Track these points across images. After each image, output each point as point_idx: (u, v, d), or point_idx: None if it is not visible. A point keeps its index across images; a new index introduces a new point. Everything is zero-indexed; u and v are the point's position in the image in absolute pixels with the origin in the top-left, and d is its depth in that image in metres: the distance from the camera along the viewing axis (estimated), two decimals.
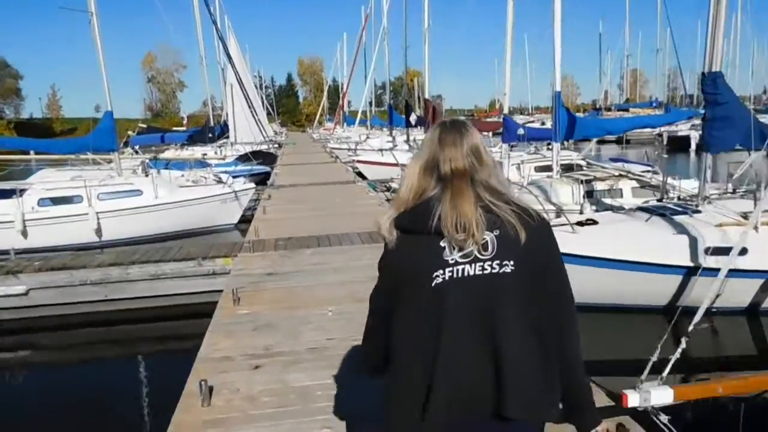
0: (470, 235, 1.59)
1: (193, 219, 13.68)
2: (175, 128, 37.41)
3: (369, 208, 11.88)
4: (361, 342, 1.97)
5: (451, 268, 1.62)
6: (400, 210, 1.71)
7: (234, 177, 17.74)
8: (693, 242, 7.22)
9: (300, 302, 6.14)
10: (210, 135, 23.82)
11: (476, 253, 1.61)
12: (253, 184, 15.00)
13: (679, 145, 31.19)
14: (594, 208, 11.01)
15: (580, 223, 7.84)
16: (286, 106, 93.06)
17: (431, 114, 22.81)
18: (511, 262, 1.62)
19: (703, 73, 8.14)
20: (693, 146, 34.80)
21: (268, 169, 21.58)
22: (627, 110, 53.33)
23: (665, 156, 26.04)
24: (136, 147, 21.14)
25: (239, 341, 5.15)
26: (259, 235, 9.43)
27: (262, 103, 60.11)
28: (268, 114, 65.36)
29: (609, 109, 59.13)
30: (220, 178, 16.58)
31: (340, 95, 53.37)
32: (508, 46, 15.27)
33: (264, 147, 28.41)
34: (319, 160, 25.44)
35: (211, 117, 25.06)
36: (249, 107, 25.57)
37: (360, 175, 21.38)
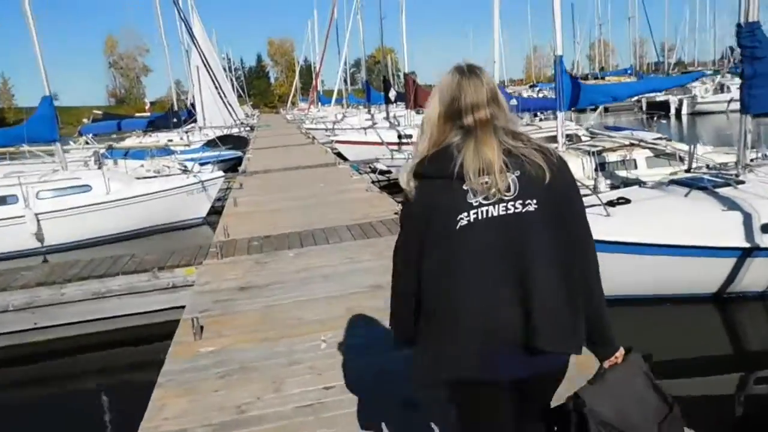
0: (493, 180, 1.59)
1: (153, 215, 11.93)
2: (138, 114, 35.19)
3: (357, 194, 10.27)
4: (390, 304, 1.87)
5: (475, 210, 1.62)
6: (419, 159, 1.68)
7: (201, 164, 15.99)
8: (746, 219, 6.21)
9: (282, 329, 4.57)
10: (175, 120, 21.82)
11: (499, 194, 1.61)
12: (221, 172, 13.23)
13: (658, 109, 30.07)
14: (609, 182, 9.58)
15: (611, 203, 6.45)
16: (257, 87, 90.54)
17: (412, 89, 21.13)
18: (534, 201, 1.62)
19: (738, 25, 7.05)
20: (672, 111, 33.93)
21: (239, 154, 19.77)
22: (603, 78, 52.43)
23: (663, 121, 25.02)
24: (89, 136, 19.14)
25: (200, 401, 3.59)
26: (229, 234, 7.77)
27: (232, 85, 58.06)
28: (239, 96, 63.16)
29: (585, 78, 58.26)
30: (185, 166, 14.84)
31: (313, 74, 51.27)
32: (496, 3, 13.67)
33: (235, 131, 26.57)
34: (295, 142, 23.64)
35: (175, 101, 23.11)
36: (216, 89, 23.76)
37: (340, 156, 19.71)
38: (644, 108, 30.60)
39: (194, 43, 23.67)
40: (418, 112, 24.01)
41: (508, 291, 1.62)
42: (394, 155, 14.08)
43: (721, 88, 33.26)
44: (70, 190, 11.35)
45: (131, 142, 22.30)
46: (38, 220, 10.79)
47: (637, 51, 65.49)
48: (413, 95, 20.87)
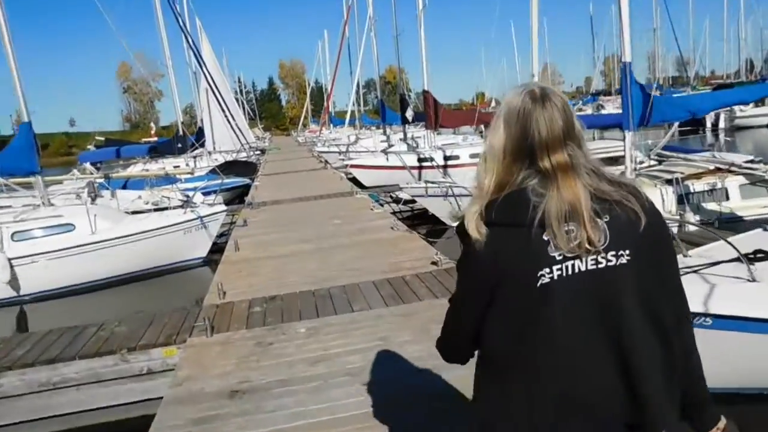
0: (581, 229, 1.32)
1: (146, 257, 10.40)
2: (145, 140, 34.02)
3: (381, 234, 8.66)
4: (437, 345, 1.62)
5: (559, 265, 1.34)
6: (485, 202, 1.38)
7: (205, 194, 14.53)
8: None
9: None
10: (180, 145, 20.42)
11: (587, 245, 1.33)
12: (223, 206, 11.68)
13: (688, 124, 28.04)
14: (697, 218, 7.90)
15: (750, 259, 4.68)
16: (268, 110, 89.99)
17: (432, 107, 19.60)
18: (627, 252, 1.36)
19: None
20: (708, 125, 31.89)
21: (247, 181, 18.29)
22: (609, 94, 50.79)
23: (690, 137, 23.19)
24: (86, 164, 17.80)
25: None
26: (225, 293, 6.17)
27: (244, 108, 57.34)
28: (251, 119, 62.58)
29: (608, 94, 56.68)
30: (187, 196, 13.38)
31: (325, 96, 50.17)
32: (534, 10, 12.10)
33: (243, 155, 25.21)
34: (306, 167, 22.17)
35: (179, 125, 21.66)
36: (223, 112, 22.46)
37: (355, 181, 18.17)
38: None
39: (200, 65, 22.44)
40: (438, 133, 22.64)
41: (603, 360, 1.35)
42: (418, 182, 12.45)
43: (762, 101, 31.11)
44: (50, 230, 9.86)
45: (136, 169, 20.95)
46: (11, 266, 9.31)
47: (655, 65, 64.31)
48: (434, 114, 19.33)
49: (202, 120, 28.25)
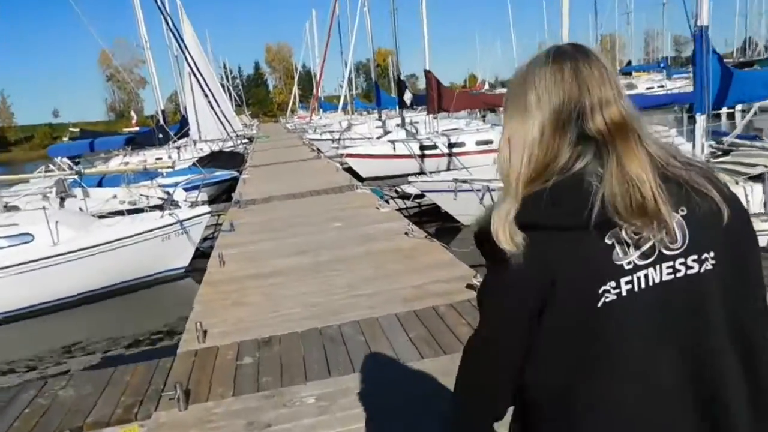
0: (655, 221, 0.96)
1: (117, 270, 8.99)
2: (126, 130, 32.34)
3: (394, 241, 7.30)
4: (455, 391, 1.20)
5: (628, 277, 1.00)
6: (518, 198, 1.03)
7: (187, 190, 13.12)
8: None
9: None
10: (161, 135, 18.89)
11: (661, 247, 0.99)
12: (206, 207, 10.24)
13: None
14: None
15: None
16: (255, 96, 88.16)
17: (435, 89, 18.17)
18: (711, 255, 1.02)
19: None
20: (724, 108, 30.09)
21: (234, 173, 16.84)
22: (629, 74, 49.43)
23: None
24: (60, 159, 16.25)
25: None
26: (206, 335, 4.80)
27: (230, 95, 55.60)
28: (237, 106, 60.77)
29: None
30: (168, 193, 11.97)
31: (314, 80, 48.52)
32: None
33: (229, 145, 23.70)
34: (298, 156, 20.70)
35: (159, 113, 20.12)
36: (207, 98, 20.94)
37: (350, 172, 16.79)
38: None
39: (182, 48, 20.86)
40: (434, 117, 21.21)
41: (680, 402, 1.02)
42: (430, 175, 11.04)
43: None
44: (4, 242, 8.43)
45: (114, 164, 19.41)
46: None
47: (652, 44, 63.10)
48: (437, 97, 17.91)
49: (185, 108, 26.65)
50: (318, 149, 23.30)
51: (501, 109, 21.17)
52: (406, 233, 7.55)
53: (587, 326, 1.01)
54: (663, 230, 0.98)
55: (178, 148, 22.81)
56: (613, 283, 1.00)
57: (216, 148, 24.18)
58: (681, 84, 38.63)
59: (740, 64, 32.98)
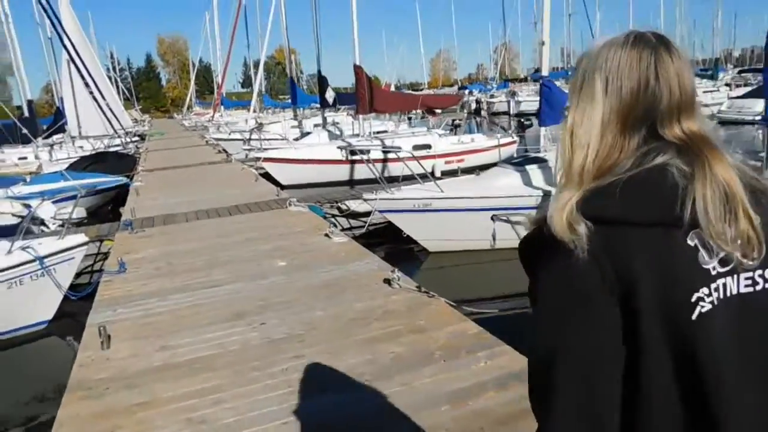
0: (742, 227, 0.88)
1: None
2: None
3: (377, 299, 4.84)
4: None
5: (715, 284, 0.89)
6: (585, 185, 0.93)
7: (57, 203, 9.99)
8: None
9: None
10: (25, 131, 15.19)
11: (739, 257, 0.89)
12: (81, 237, 7.18)
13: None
14: None
15: None
16: (147, 90, 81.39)
17: (366, 86, 15.86)
18: None
19: None
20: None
21: (122, 179, 13.60)
22: (537, 80, 49.68)
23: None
24: None
25: None
26: None
27: (118, 87, 50.40)
28: (126, 99, 55.27)
29: (515, 80, 55.56)
30: (28, 207, 8.92)
31: (215, 75, 44.61)
32: None
33: (117, 144, 20.15)
34: (202, 158, 17.58)
35: (24, 102, 16.36)
36: (89, 88, 17.47)
37: (266, 177, 14.11)
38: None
39: (54, 26, 17.25)
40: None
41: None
42: (395, 191, 8.59)
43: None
44: None
45: None
46: None
47: (540, 55, 64.98)
48: (368, 95, 15.58)
49: (62, 98, 22.62)
50: (224, 150, 20.23)
51: (439, 112, 19.30)
52: (387, 281, 5.14)
53: (683, 338, 0.87)
54: (747, 239, 0.88)
55: (51, 145, 18.98)
56: (705, 290, 0.88)
57: (101, 146, 20.51)
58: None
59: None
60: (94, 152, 16.94)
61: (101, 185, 12.75)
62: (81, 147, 20.79)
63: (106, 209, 13.18)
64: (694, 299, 0.87)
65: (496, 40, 67.42)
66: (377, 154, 14.17)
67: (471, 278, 7.91)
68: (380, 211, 8.35)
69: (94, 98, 16.23)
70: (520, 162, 8.70)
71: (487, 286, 7.59)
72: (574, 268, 0.88)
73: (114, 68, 61.72)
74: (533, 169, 8.29)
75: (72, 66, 19.84)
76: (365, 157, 10.47)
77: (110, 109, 21.57)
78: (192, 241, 7.39)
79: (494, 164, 17.48)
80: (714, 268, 0.89)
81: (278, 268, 5.93)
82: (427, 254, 8.68)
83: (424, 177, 10.19)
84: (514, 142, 17.03)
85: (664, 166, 0.89)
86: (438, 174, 13.56)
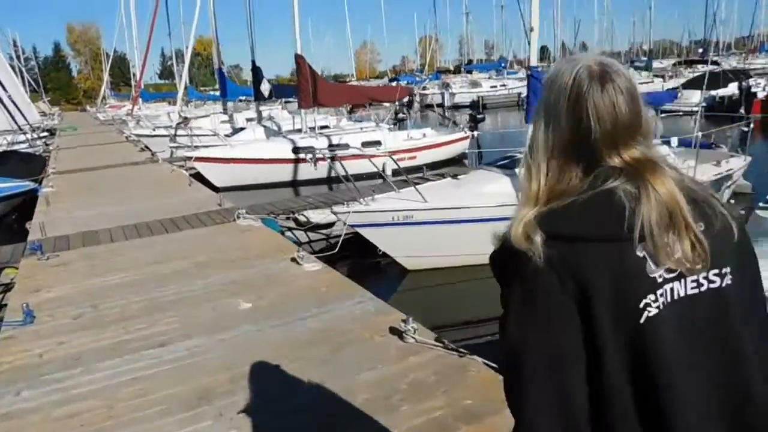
0: (684, 237, 1.00)
1: None
2: None
3: (395, 363, 3.61)
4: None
5: (661, 290, 1.01)
6: (540, 206, 1.05)
7: None
8: None
9: None
10: None
11: (688, 262, 1.01)
12: None
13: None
14: None
15: None
16: (56, 81, 75.77)
17: (308, 76, 14.46)
18: (728, 269, 1.06)
19: None
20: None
21: (29, 185, 11.63)
22: (470, 73, 49.50)
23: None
24: None
25: None
26: None
27: (23, 78, 46.28)
28: (33, 91, 50.86)
29: (457, 71, 55.20)
30: None
31: (133, 65, 41.54)
32: None
33: (22, 141, 17.82)
34: (123, 158, 15.61)
35: None
36: None
37: (197, 178, 12.52)
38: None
39: None
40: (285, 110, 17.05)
41: (718, 418, 1.03)
42: (370, 202, 7.26)
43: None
44: None
45: None
46: None
47: (467, 47, 65.57)
48: (312, 88, 14.19)
49: None
50: (148, 148, 18.24)
51: (386, 104, 18.06)
52: (397, 332, 3.92)
53: (632, 344, 0.98)
54: (691, 247, 0.99)
55: None
56: (652, 297, 0.99)
57: (3, 143, 18.06)
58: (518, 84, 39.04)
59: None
60: None
61: (2, 192, 10.83)
62: None
63: (9, 221, 11.21)
64: (642, 305, 0.98)
65: (422, 31, 67.20)
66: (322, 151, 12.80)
67: (460, 301, 6.81)
68: (352, 226, 7.07)
69: None
70: (505, 164, 7.65)
71: (481, 307, 6.52)
72: (534, 273, 0.99)
73: (18, 57, 56.76)
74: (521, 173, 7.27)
75: None
76: (331, 162, 9.08)
77: (12, 102, 19.10)
78: (121, 271, 5.86)
79: (452, 160, 16.75)
80: (660, 276, 1.00)
81: (242, 313, 4.57)
82: (402, 272, 7.50)
83: (374, 177, 9.03)
84: (467, 137, 16.11)
85: (612, 189, 1.00)
86: (388, 172, 12.39)
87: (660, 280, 1.00)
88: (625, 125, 1.02)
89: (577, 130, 1.03)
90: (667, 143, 7.95)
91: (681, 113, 17.78)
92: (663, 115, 10.34)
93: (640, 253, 0.99)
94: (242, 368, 3.63)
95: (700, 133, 7.82)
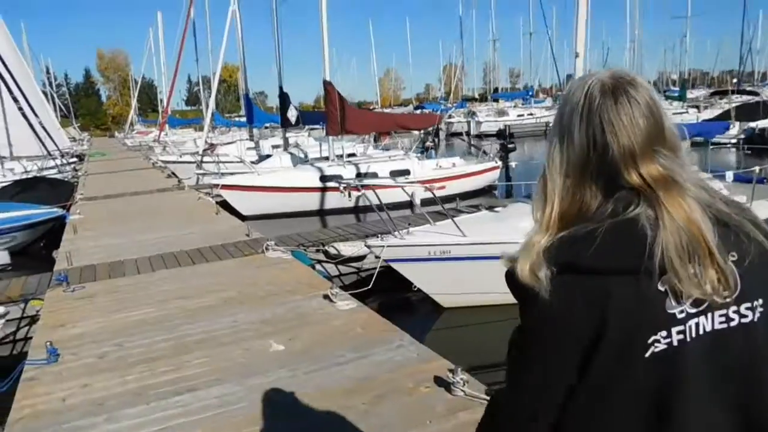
0: (709, 267, 0.92)
1: None
2: None
3: (412, 399, 3.32)
4: None
5: (681, 327, 0.95)
6: (552, 231, 1.00)
7: None
8: None
9: None
10: None
11: (715, 294, 0.94)
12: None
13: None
14: None
15: None
16: (86, 107, 77.48)
17: (338, 104, 14.38)
18: (760, 302, 0.97)
19: None
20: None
21: (57, 211, 11.61)
22: (497, 101, 49.45)
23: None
24: None
25: None
26: None
27: (54, 104, 47.41)
28: (64, 116, 51.98)
29: (482, 100, 55.26)
30: None
31: (161, 91, 42.25)
32: None
33: (52, 167, 17.99)
34: (150, 184, 15.63)
35: None
36: (17, 103, 15.40)
37: (224, 206, 12.42)
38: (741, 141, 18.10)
39: None
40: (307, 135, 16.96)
41: None
42: (390, 232, 7.01)
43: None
44: None
45: None
46: None
47: (485, 77, 65.84)
48: (340, 114, 14.09)
49: None
50: (174, 174, 18.28)
51: (414, 132, 17.92)
52: (443, 384, 3.62)
53: (634, 375, 0.95)
54: (716, 280, 0.92)
55: None
56: (664, 333, 0.94)
57: (34, 168, 18.26)
58: (546, 113, 38.79)
59: None
60: (24, 179, 14.78)
61: (30, 218, 10.80)
62: (12, 170, 18.49)
63: (37, 248, 11.16)
64: (650, 340, 0.93)
65: (447, 59, 67.60)
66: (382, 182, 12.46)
67: (502, 342, 6.46)
68: (387, 261, 6.80)
69: (24, 115, 14.16)
70: None
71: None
72: (544, 306, 0.94)
73: (50, 83, 58.31)
74: None
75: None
76: (363, 192, 8.88)
77: (43, 128, 19.34)
78: (147, 306, 5.65)
79: (481, 191, 16.40)
80: (682, 311, 0.93)
81: (275, 356, 4.31)
82: (437, 309, 7.19)
83: (403, 206, 8.76)
84: (497, 167, 15.85)
85: (635, 218, 0.93)
86: (417, 202, 12.12)
87: (681, 315, 0.94)
88: (643, 138, 0.96)
89: (592, 147, 0.98)
90: (722, 177, 7.60)
91: (729, 145, 17.29)
92: (712, 146, 9.93)
93: (661, 288, 0.93)
94: (277, 420, 3.36)
95: (757, 168, 7.42)
